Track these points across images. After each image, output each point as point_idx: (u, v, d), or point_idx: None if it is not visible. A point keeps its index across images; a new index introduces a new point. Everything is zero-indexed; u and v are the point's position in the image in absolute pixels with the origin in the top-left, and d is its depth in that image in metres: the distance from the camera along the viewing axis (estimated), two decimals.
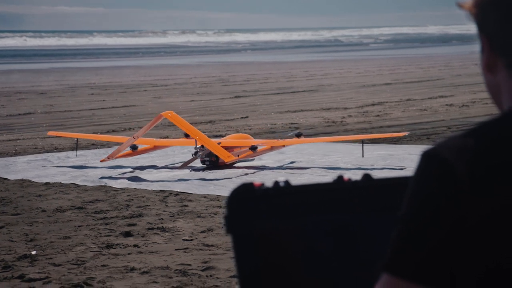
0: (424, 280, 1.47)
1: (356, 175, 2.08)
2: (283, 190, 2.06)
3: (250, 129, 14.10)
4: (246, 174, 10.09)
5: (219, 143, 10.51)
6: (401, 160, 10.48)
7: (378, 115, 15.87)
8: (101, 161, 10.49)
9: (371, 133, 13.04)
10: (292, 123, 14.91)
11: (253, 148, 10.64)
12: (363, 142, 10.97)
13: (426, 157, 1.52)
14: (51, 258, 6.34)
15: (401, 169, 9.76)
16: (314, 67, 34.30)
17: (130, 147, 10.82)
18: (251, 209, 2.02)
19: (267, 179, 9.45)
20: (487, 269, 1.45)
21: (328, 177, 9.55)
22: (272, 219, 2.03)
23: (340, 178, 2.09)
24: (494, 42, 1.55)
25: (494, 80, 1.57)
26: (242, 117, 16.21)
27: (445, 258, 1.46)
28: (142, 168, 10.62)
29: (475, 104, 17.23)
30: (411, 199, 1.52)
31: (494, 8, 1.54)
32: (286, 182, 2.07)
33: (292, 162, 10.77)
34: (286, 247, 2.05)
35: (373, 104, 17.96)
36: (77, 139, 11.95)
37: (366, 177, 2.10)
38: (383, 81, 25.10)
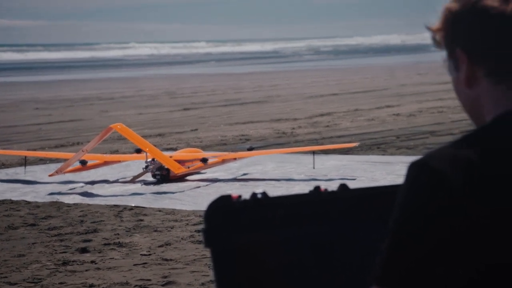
0: None
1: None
2: (261, 202, 2.06)
3: (200, 142, 14.07)
4: (199, 186, 10.06)
5: (170, 157, 10.48)
6: (353, 170, 10.57)
7: (327, 126, 15.99)
8: (49, 175, 10.36)
9: (322, 143, 13.13)
10: (242, 135, 14.92)
11: (204, 161, 10.66)
12: (314, 153, 11.04)
13: (416, 168, 1.51)
14: (6, 277, 6.22)
15: (353, 179, 9.84)
16: (261, 78, 34.41)
17: (80, 162, 10.71)
18: (229, 222, 2.02)
19: (220, 191, 9.43)
20: (480, 277, 1.45)
21: (282, 188, 9.59)
22: (251, 232, 2.03)
23: (316, 189, 2.10)
24: (472, 53, 1.57)
25: (474, 93, 1.58)
26: (192, 130, 16.17)
27: (439, 269, 1.45)
28: (93, 182, 10.51)
29: (422, 113, 17.48)
30: (403, 210, 1.50)
31: (469, 18, 1.56)
32: (264, 194, 2.07)
33: (245, 174, 10.78)
34: (266, 260, 2.04)
35: (322, 115, 18.08)
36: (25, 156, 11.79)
37: (343, 187, 2.11)
38: (330, 91, 25.30)
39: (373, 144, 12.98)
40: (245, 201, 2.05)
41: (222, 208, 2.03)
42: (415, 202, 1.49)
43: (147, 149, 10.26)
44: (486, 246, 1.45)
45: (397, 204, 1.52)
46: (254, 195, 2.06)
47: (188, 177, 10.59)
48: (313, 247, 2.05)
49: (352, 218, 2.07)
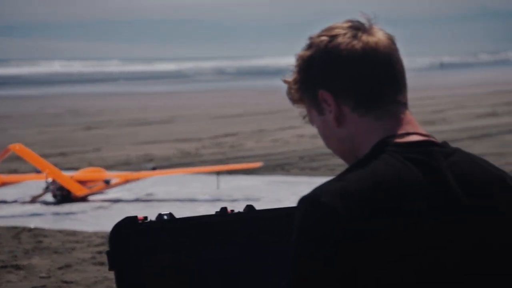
0: None
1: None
2: (167, 224, 2.02)
3: (103, 161, 13.86)
4: (101, 207, 9.90)
5: (71, 177, 10.30)
6: (257, 191, 10.60)
7: (232, 146, 16.02)
8: None
9: (227, 164, 13.14)
10: (146, 155, 14.78)
11: (107, 182, 10.52)
12: (218, 173, 11.03)
13: (307, 204, 1.54)
14: None
15: (258, 200, 9.87)
16: (167, 98, 34.26)
17: None
18: (135, 244, 1.97)
19: (123, 212, 9.29)
20: None
21: (186, 209, 9.52)
22: (157, 254, 1.98)
23: (223, 210, 2.08)
24: (335, 91, 1.63)
25: (344, 132, 1.65)
26: (95, 149, 15.92)
27: None
28: None
29: None
30: (298, 248, 1.52)
31: (324, 58, 1.62)
32: (170, 215, 2.03)
33: (148, 194, 10.66)
34: (171, 282, 2.01)
35: (226, 135, 18.11)
36: None
37: (249, 208, 2.10)
38: (235, 112, 25.40)
39: (276, 165, 13.06)
40: (151, 222, 2.01)
41: (127, 229, 1.99)
42: (309, 236, 1.51)
43: (47, 171, 10.06)
44: (376, 269, 1.48)
45: (293, 239, 1.54)
46: (160, 216, 2.02)
47: (91, 197, 10.40)
48: (220, 270, 2.03)
49: (259, 240, 2.05)
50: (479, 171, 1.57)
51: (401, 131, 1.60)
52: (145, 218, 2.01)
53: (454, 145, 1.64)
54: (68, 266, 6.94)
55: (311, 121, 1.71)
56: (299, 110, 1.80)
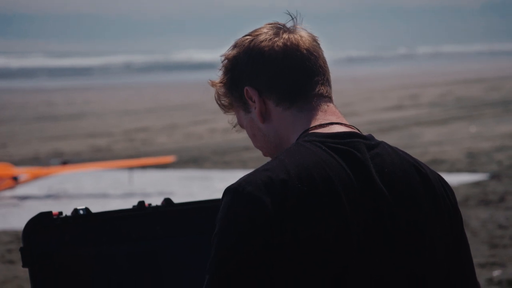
0: None
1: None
2: (84, 218, 1.98)
3: (10, 157, 13.53)
4: (10, 204, 9.66)
5: None
6: (170, 185, 10.54)
7: (144, 141, 15.89)
8: None
9: (139, 158, 13.02)
10: (56, 151, 14.51)
11: (16, 178, 10.27)
12: (130, 169, 10.92)
13: (233, 194, 1.54)
14: None
15: (171, 194, 9.82)
16: (74, 93, 33.71)
17: None
18: (49, 239, 1.93)
19: (33, 208, 9.09)
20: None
21: (98, 205, 9.39)
22: (72, 249, 1.94)
23: (141, 203, 2.06)
24: (259, 87, 1.67)
25: (270, 127, 1.68)
26: (1, 145, 15.53)
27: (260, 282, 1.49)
28: None
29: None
30: (221, 239, 1.52)
31: (249, 56, 1.67)
32: (86, 210, 1.99)
33: (59, 191, 10.47)
34: (88, 278, 1.97)
35: (138, 130, 17.95)
36: None
37: (167, 201, 2.08)
38: (146, 107, 25.20)
39: (189, 160, 13.02)
40: (67, 217, 1.97)
41: (40, 225, 1.94)
42: (234, 227, 1.51)
43: None
44: (300, 258, 1.50)
45: (218, 229, 1.54)
46: (75, 211, 1.98)
47: None
48: (137, 264, 2.00)
49: (177, 233, 2.04)
50: (399, 163, 1.61)
51: (325, 122, 1.64)
52: (60, 213, 1.97)
53: None
54: None
55: (241, 124, 1.72)
56: (227, 117, 1.81)
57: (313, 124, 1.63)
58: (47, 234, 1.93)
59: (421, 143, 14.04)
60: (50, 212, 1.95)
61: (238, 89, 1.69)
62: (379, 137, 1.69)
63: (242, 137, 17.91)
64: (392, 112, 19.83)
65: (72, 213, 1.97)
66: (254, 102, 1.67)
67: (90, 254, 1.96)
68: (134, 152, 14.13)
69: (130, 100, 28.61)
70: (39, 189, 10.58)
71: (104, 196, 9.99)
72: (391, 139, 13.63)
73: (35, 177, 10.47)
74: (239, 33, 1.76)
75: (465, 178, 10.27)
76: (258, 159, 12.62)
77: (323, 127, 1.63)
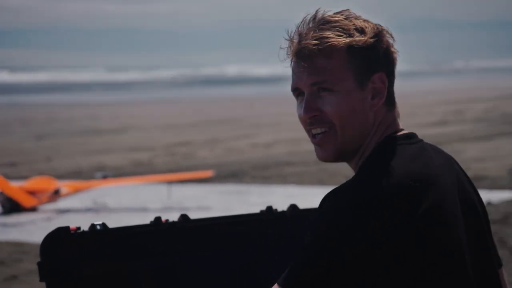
0: None
1: (166, 217, 2.05)
2: (100, 233, 1.99)
3: (54, 171, 13.70)
4: (50, 217, 9.77)
5: (21, 188, 10.15)
6: (208, 199, 10.57)
7: (185, 155, 15.96)
8: None
9: (178, 173, 13.07)
10: (99, 165, 14.65)
11: (57, 191, 10.39)
12: (169, 183, 10.97)
13: (333, 198, 1.59)
14: None
15: (209, 208, 9.84)
16: (119, 107, 34.05)
17: None
18: (66, 254, 1.94)
19: (73, 221, 9.19)
20: None
21: (137, 218, 9.45)
22: (89, 264, 1.95)
23: (158, 219, 2.06)
24: (390, 77, 1.74)
25: (372, 116, 1.73)
26: (45, 159, 15.74)
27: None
28: None
29: (278, 143, 17.76)
30: (327, 233, 1.56)
31: (382, 46, 1.71)
32: (103, 225, 2.00)
33: (99, 204, 10.56)
34: None
35: (180, 144, 18.04)
36: None
37: (184, 217, 2.08)
38: (188, 121, 25.34)
39: (229, 174, 13.04)
40: (84, 232, 1.98)
41: (58, 239, 1.96)
42: (342, 227, 1.56)
43: None
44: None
45: (317, 230, 1.58)
46: (93, 226, 1.99)
47: (40, 207, 10.27)
48: (152, 280, 2.00)
49: (194, 248, 2.04)
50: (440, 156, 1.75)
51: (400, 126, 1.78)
52: (78, 228, 1.98)
53: None
54: (14, 277, 6.83)
55: (333, 85, 1.70)
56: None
57: (396, 128, 1.77)
58: (64, 249, 1.94)
59: (463, 159, 13.88)
60: (68, 227, 1.97)
61: (366, 74, 1.70)
62: None
63: (283, 151, 17.81)
64: (435, 128, 19.65)
65: (89, 228, 1.99)
66: (384, 89, 1.71)
67: (107, 269, 1.96)
68: (175, 167, 14.20)
69: (173, 115, 28.81)
70: (79, 203, 10.69)
71: (143, 210, 10.05)
72: None
73: (76, 191, 10.58)
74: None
75: (507, 195, 10.12)
76: (299, 174, 12.60)
77: (400, 131, 1.78)
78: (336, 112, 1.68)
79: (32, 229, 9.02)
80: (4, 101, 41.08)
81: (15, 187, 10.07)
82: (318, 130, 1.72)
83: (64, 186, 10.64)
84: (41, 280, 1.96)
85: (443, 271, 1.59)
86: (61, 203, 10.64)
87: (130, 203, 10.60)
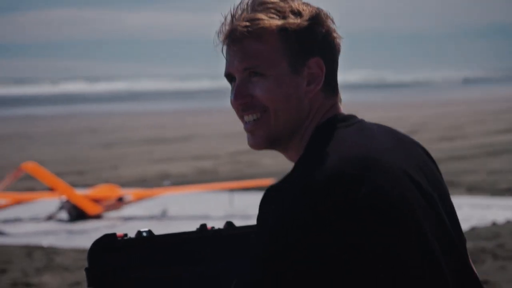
0: None
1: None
2: (146, 240, 2.01)
3: (120, 179, 13.89)
4: (115, 225, 9.90)
5: (86, 195, 10.33)
6: None
7: (249, 163, 16.00)
8: None
9: (240, 181, 13.10)
10: (163, 173, 14.80)
11: (121, 199, 10.53)
12: (232, 190, 11.00)
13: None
14: None
15: None
16: (183, 116, 34.37)
17: None
18: (113, 260, 1.96)
19: (136, 229, 9.28)
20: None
21: (198, 226, 9.48)
22: (135, 270, 1.97)
23: (203, 226, 2.06)
24: (328, 65, 1.65)
25: (307, 101, 1.65)
26: (111, 167, 15.97)
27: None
28: (4, 221, 10.25)
29: None
30: (273, 231, 1.53)
31: (323, 30, 1.62)
32: (149, 232, 2.02)
33: (162, 212, 10.66)
34: None
35: (244, 152, 18.10)
36: None
37: (229, 225, 2.08)
38: None
39: None
40: (130, 239, 2.00)
41: (105, 246, 1.98)
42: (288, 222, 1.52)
43: (59, 189, 10.10)
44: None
45: (263, 227, 1.56)
46: (139, 233, 2.01)
47: (105, 215, 10.42)
48: (200, 285, 2.01)
49: (238, 255, 2.03)
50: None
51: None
52: (125, 235, 2.01)
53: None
54: (78, 283, 6.93)
55: (265, 70, 1.61)
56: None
57: (336, 111, 1.68)
58: (111, 255, 1.96)
59: None
60: (114, 234, 1.99)
61: (302, 57, 1.61)
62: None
63: None
64: (503, 135, 19.26)
65: (136, 235, 2.00)
66: (320, 75, 1.62)
67: (153, 276, 1.97)
68: (238, 174, 14.24)
69: (237, 123, 28.90)
70: (143, 210, 10.80)
71: (205, 217, 10.10)
72: (498, 163, 13.22)
73: (139, 198, 10.70)
74: None
75: None
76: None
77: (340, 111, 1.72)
78: (268, 97, 1.61)
79: (96, 236, 9.12)
80: (73, 110, 41.89)
81: (80, 195, 10.25)
82: (250, 118, 1.68)
83: (128, 193, 10.78)
84: (89, 285, 1.98)
85: (398, 253, 1.50)
86: (126, 211, 10.77)
87: (193, 211, 10.67)
